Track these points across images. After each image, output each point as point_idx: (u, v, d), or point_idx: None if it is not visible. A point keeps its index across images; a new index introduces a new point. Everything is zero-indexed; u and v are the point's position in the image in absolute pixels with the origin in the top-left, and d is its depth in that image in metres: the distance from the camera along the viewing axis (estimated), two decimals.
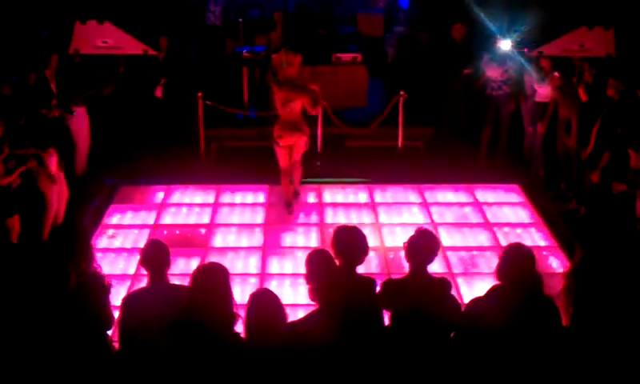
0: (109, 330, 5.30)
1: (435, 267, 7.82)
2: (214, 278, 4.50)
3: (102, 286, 5.16)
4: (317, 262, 5.07)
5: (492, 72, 10.83)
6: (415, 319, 4.89)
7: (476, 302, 5.12)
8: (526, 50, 10.49)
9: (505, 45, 10.66)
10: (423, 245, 5.20)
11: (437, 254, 5.26)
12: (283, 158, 9.11)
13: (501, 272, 4.99)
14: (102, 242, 8.61)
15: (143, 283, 7.39)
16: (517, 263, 4.90)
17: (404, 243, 5.27)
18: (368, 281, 5.28)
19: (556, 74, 9.90)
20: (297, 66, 8.87)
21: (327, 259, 5.11)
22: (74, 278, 4.81)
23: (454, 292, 7.31)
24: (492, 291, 5.06)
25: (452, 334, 5.03)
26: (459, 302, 5.41)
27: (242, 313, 4.50)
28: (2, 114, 7.67)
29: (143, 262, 5.27)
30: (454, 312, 5.19)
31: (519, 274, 4.85)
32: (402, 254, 5.41)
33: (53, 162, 8.33)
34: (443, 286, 5.26)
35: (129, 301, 5.23)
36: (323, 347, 4.46)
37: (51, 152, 8.28)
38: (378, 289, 5.27)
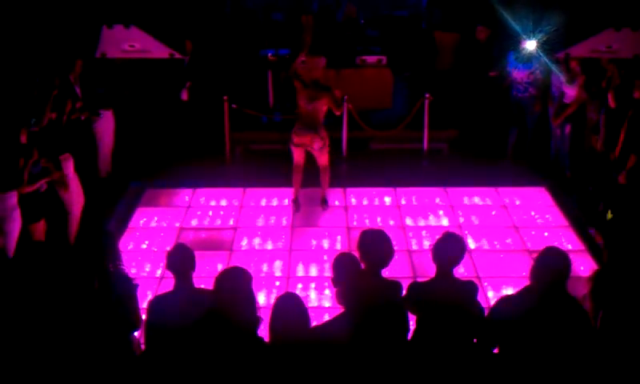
0: (136, 331, 5.34)
1: (461, 271, 7.82)
2: (236, 282, 4.51)
3: (130, 288, 5.19)
4: (344, 265, 5.06)
5: (518, 74, 10.77)
6: (441, 322, 4.87)
7: (507, 299, 5.08)
8: (561, 54, 10.39)
9: (530, 45, 10.59)
10: (449, 248, 5.17)
11: (463, 257, 5.23)
12: (297, 155, 9.25)
13: (534, 273, 4.94)
14: (129, 244, 8.66)
15: (170, 286, 7.48)
16: (552, 266, 4.85)
17: (430, 246, 5.26)
18: (393, 284, 5.26)
19: (578, 67, 9.82)
20: (320, 69, 9.17)
21: (354, 263, 5.10)
22: (99, 280, 4.83)
23: (480, 295, 7.35)
24: (524, 291, 5.02)
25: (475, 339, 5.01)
26: (482, 306, 5.36)
27: (266, 316, 4.51)
28: (28, 118, 7.76)
29: (169, 266, 5.30)
30: (479, 316, 5.17)
31: (552, 276, 4.79)
32: (429, 256, 5.39)
33: (69, 168, 8.39)
34: (470, 289, 5.24)
35: (154, 304, 5.26)
36: (347, 350, 4.45)
37: (67, 157, 8.35)
38: (403, 292, 5.25)
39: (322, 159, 9.26)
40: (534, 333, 4.60)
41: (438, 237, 5.27)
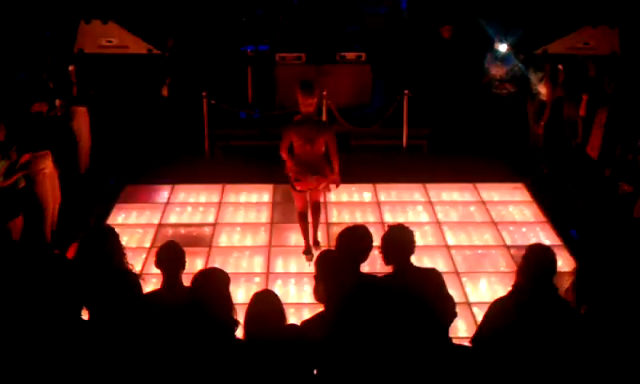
0: None
1: (440, 266, 7.85)
2: (213, 284, 4.48)
3: (139, 286, 5.15)
4: (326, 262, 5.05)
5: (496, 71, 10.84)
6: (408, 314, 4.87)
7: (499, 303, 5.12)
8: (521, 55, 10.57)
9: (502, 48, 10.68)
10: (400, 239, 5.20)
11: (414, 245, 5.25)
12: (300, 201, 8.21)
13: (523, 272, 5.00)
14: None
15: (149, 282, 7.44)
16: (539, 263, 4.91)
17: (379, 247, 5.31)
18: (373, 279, 5.27)
19: (560, 66, 9.90)
20: (314, 105, 7.92)
21: (337, 260, 5.11)
22: (105, 278, 4.79)
23: (459, 290, 7.39)
24: (513, 292, 5.08)
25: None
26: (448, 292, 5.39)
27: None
28: (3, 117, 7.69)
29: (158, 263, 5.26)
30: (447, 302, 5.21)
31: (541, 274, 4.86)
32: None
33: (48, 164, 8.33)
34: (432, 276, 5.25)
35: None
36: (326, 347, 4.45)
37: (47, 154, 8.29)
38: None
39: (318, 196, 8.38)
40: (526, 331, 4.64)
41: (384, 234, 5.33)
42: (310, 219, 8.31)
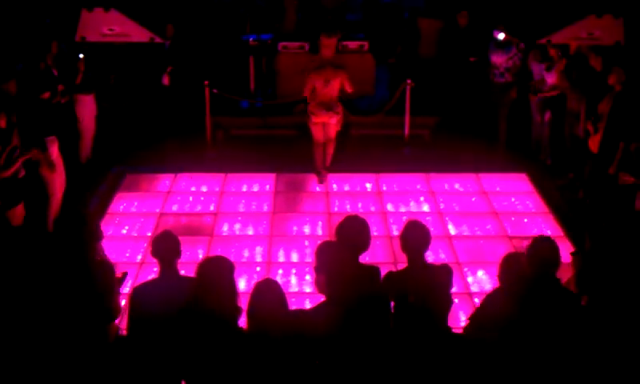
0: (115, 319, 5.30)
1: (442, 256, 7.86)
2: (218, 272, 4.48)
3: (112, 276, 5.14)
4: (326, 253, 5.04)
5: (497, 59, 10.79)
6: (415, 310, 4.88)
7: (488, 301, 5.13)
8: (522, 45, 10.54)
9: (500, 36, 10.64)
10: (414, 235, 5.19)
11: (429, 242, 5.23)
12: (316, 132, 9.62)
13: (500, 279, 5.06)
14: (109, 229, 8.59)
15: (150, 271, 7.45)
16: (511, 270, 4.95)
17: (397, 236, 5.30)
18: (372, 269, 5.26)
19: (563, 59, 9.87)
20: (333, 47, 9.40)
21: (336, 251, 5.09)
22: (78, 267, 4.78)
23: (460, 281, 7.39)
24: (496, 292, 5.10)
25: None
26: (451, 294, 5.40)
27: (246, 302, 4.48)
28: (4, 106, 7.66)
29: (154, 253, 5.25)
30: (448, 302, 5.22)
31: (514, 279, 4.88)
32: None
33: (54, 150, 8.33)
34: (443, 273, 5.24)
35: (138, 292, 5.20)
36: (328, 337, 4.44)
37: (53, 139, 8.28)
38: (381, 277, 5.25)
39: (333, 132, 9.64)
40: (528, 323, 4.63)
41: (401, 227, 5.30)
42: (325, 150, 9.77)
